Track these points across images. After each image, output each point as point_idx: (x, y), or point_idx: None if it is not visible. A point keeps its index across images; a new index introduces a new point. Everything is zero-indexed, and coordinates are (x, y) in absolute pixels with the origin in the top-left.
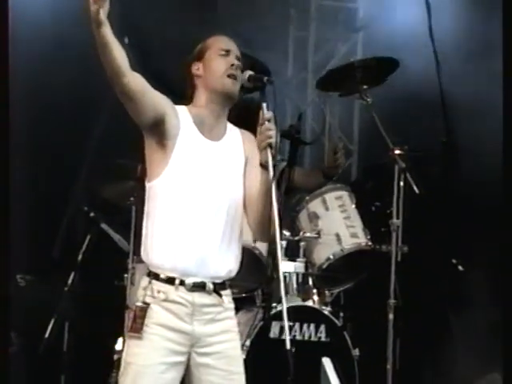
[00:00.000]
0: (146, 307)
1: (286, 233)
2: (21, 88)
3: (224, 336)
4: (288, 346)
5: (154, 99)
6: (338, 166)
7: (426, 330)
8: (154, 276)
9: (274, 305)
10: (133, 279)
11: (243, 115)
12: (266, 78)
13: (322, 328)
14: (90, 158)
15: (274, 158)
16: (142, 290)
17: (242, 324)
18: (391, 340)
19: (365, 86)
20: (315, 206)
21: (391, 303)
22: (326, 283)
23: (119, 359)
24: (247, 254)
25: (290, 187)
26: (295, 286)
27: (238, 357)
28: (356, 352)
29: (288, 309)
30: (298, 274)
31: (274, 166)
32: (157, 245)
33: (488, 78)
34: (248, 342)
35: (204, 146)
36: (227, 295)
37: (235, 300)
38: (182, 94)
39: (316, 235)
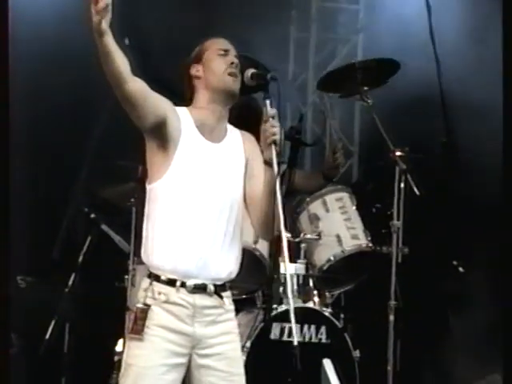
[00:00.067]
0: (146, 309)
1: (287, 234)
2: (21, 88)
3: (225, 337)
4: (295, 342)
5: (155, 103)
6: (338, 166)
7: (427, 332)
8: (154, 277)
9: (274, 306)
10: (133, 280)
11: (244, 115)
12: (269, 75)
13: (323, 329)
14: (90, 158)
15: (278, 154)
16: (142, 292)
17: (242, 325)
18: (392, 341)
19: (365, 88)
20: (316, 207)
21: (392, 304)
22: (326, 285)
23: (120, 360)
24: (247, 256)
25: (291, 189)
26: (296, 287)
27: (238, 358)
28: (357, 353)
29: (288, 310)
30: (298, 276)
31: (279, 163)
32: (157, 246)
33: (488, 78)
34: (248, 344)
35: (205, 148)
36: (228, 297)
37: (235, 301)
38: (182, 94)
39: (316, 237)
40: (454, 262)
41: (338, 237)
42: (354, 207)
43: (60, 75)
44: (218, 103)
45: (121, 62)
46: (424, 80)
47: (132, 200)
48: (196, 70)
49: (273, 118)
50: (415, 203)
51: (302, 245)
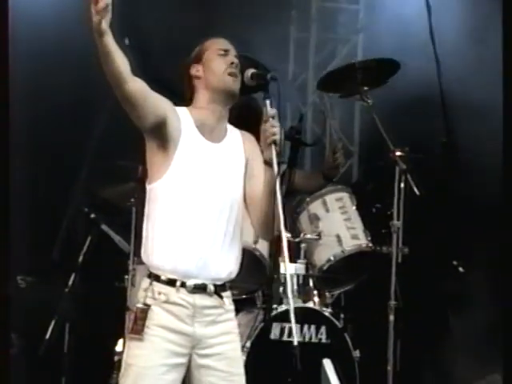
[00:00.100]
0: (146, 309)
1: (287, 234)
2: (21, 88)
3: (225, 337)
4: (295, 342)
5: (155, 103)
6: (338, 166)
7: (427, 331)
8: (154, 277)
9: (274, 306)
10: (133, 280)
11: (244, 115)
12: (269, 75)
13: (323, 329)
14: (90, 158)
15: (278, 154)
16: (142, 292)
17: (242, 325)
18: (392, 341)
19: (365, 88)
20: (316, 207)
21: (392, 304)
22: (326, 285)
23: (120, 360)
24: (247, 256)
25: (291, 189)
26: (296, 287)
27: (238, 358)
28: (357, 353)
29: (289, 310)
30: (298, 276)
31: (279, 163)
32: (157, 246)
33: (488, 78)
34: (248, 344)
35: (205, 149)
36: (228, 297)
37: (235, 301)
38: (182, 94)
39: (316, 237)
40: (454, 262)
41: (338, 237)
42: (354, 207)
43: (60, 75)
44: (218, 103)
45: (121, 62)
46: (424, 80)
47: (132, 200)
48: (196, 70)
49: (273, 117)
50: (415, 203)
51: (302, 245)
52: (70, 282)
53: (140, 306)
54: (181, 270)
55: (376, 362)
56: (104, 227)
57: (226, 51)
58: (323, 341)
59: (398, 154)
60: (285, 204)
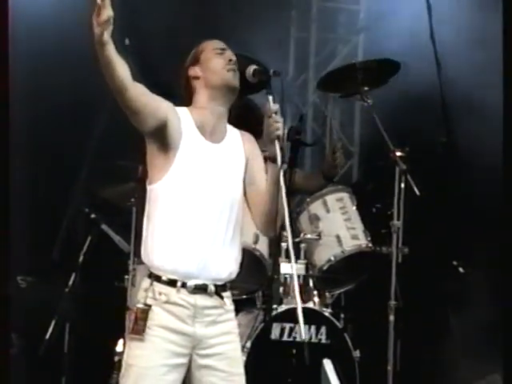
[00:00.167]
0: (147, 309)
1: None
2: (21, 88)
3: (225, 337)
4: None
5: (155, 108)
6: (338, 165)
7: (427, 332)
8: (155, 278)
9: (274, 306)
10: (133, 280)
11: (243, 115)
12: (272, 71)
13: (323, 330)
14: (90, 158)
15: (281, 149)
16: (143, 292)
17: (242, 325)
18: (392, 341)
19: (366, 88)
20: (316, 207)
21: (392, 304)
22: (326, 285)
23: (120, 360)
24: (247, 256)
25: (291, 189)
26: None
27: (238, 358)
28: (357, 353)
29: (289, 310)
30: (298, 276)
31: (283, 158)
32: (158, 247)
33: (488, 78)
34: (248, 344)
35: (206, 149)
36: (228, 297)
37: (236, 302)
38: (181, 95)
39: (317, 237)
40: (454, 262)
41: (338, 237)
42: (354, 207)
43: (60, 75)
44: (218, 100)
45: (121, 69)
46: (424, 80)
47: (132, 200)
48: (194, 71)
49: (275, 113)
50: (415, 203)
51: (302, 245)
52: (70, 282)
53: (141, 306)
54: (181, 270)
55: (376, 362)
56: (104, 227)
57: (223, 50)
58: (323, 341)
59: (398, 154)
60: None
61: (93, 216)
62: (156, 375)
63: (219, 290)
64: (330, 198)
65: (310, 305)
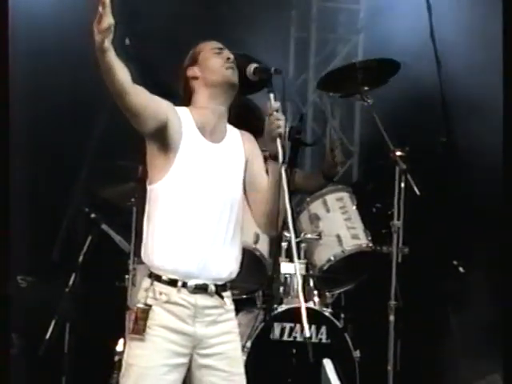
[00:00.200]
0: (147, 309)
1: (287, 234)
2: (21, 88)
3: (225, 337)
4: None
5: (155, 110)
6: (337, 164)
7: (427, 331)
8: (155, 278)
9: (274, 306)
10: (134, 280)
11: (242, 115)
12: (273, 69)
13: (323, 329)
14: (91, 158)
15: (283, 147)
16: (143, 292)
17: (242, 325)
18: (392, 341)
19: (366, 88)
20: (316, 207)
21: (392, 304)
22: (326, 284)
23: (120, 360)
24: (248, 255)
25: (291, 189)
26: (296, 287)
27: (238, 358)
28: (357, 353)
29: (289, 310)
30: None
31: (284, 156)
32: (158, 247)
33: (488, 78)
34: (249, 344)
35: (206, 149)
36: (228, 297)
37: (236, 301)
38: (181, 96)
39: (317, 236)
40: (454, 262)
41: (339, 237)
42: (355, 207)
43: (60, 75)
44: (217, 99)
45: (121, 74)
46: (424, 80)
47: (132, 200)
48: (193, 71)
49: (277, 111)
50: (415, 203)
51: (302, 245)
52: (71, 282)
53: (141, 306)
54: (182, 270)
55: (376, 361)
56: (104, 227)
57: (221, 49)
58: (323, 341)
59: (398, 153)
60: (291, 195)
61: (93, 216)
62: (156, 375)
63: (219, 289)
64: (330, 198)
65: (311, 304)
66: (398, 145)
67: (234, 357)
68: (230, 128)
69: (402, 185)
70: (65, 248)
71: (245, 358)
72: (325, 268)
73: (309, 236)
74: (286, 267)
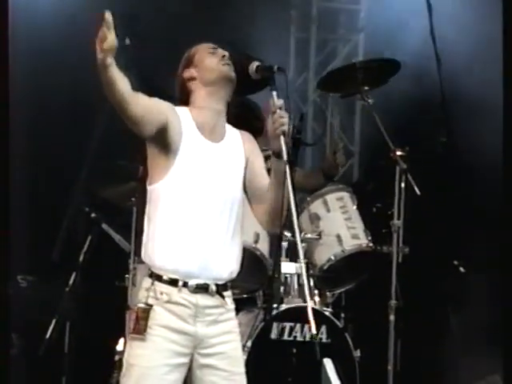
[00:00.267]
0: (148, 309)
1: (287, 234)
2: (21, 88)
3: (226, 337)
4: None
5: (155, 114)
6: (338, 165)
7: (427, 331)
8: (156, 277)
9: (275, 306)
10: (134, 280)
11: (242, 115)
12: (276, 67)
13: (323, 329)
14: (91, 158)
15: (287, 145)
16: (144, 292)
17: (243, 325)
18: (392, 341)
19: (366, 87)
20: (316, 207)
21: (392, 304)
22: (327, 284)
23: (120, 360)
24: (248, 255)
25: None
26: (296, 287)
27: (239, 357)
28: (357, 353)
29: (289, 310)
30: (298, 275)
31: (288, 153)
32: (159, 247)
33: (488, 79)
34: (249, 343)
35: (206, 148)
36: (228, 296)
37: (236, 301)
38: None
39: (317, 236)
40: (454, 262)
41: (339, 236)
42: (355, 207)
43: (60, 75)
44: (215, 96)
45: (122, 85)
46: (424, 80)
47: (132, 200)
48: (189, 72)
49: (280, 109)
50: (415, 203)
51: (303, 244)
52: (71, 282)
53: (142, 305)
54: (183, 270)
55: (376, 361)
56: (104, 226)
57: (215, 48)
58: (324, 340)
59: (398, 153)
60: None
61: (93, 215)
62: (158, 375)
63: (220, 289)
64: (331, 198)
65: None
66: (398, 144)
67: (235, 356)
68: (230, 127)
69: (403, 185)
70: (65, 248)
71: (245, 357)
72: (325, 268)
73: (309, 236)
74: (286, 267)
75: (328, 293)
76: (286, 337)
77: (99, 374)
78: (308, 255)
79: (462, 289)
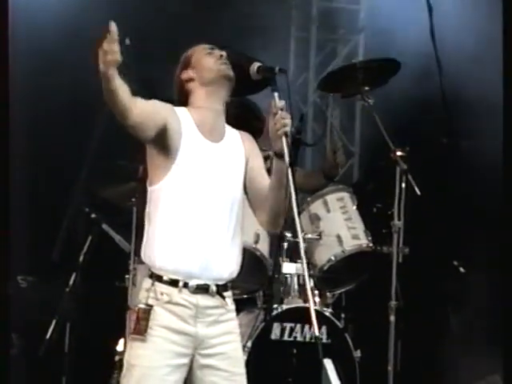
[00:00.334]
0: (149, 309)
1: (287, 234)
2: (21, 88)
3: (226, 337)
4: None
5: (155, 118)
6: (338, 165)
7: (427, 332)
8: (156, 278)
9: (275, 306)
10: (134, 280)
11: (242, 115)
12: (277, 68)
13: (324, 329)
14: (91, 158)
15: (288, 145)
16: (144, 292)
17: (243, 325)
18: (392, 341)
19: (366, 88)
20: (316, 207)
21: (392, 305)
22: (327, 285)
23: (120, 360)
24: (248, 255)
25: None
26: (296, 287)
27: (240, 358)
28: (357, 353)
29: (289, 310)
30: (299, 276)
31: (291, 154)
32: (159, 247)
33: (489, 78)
34: (249, 344)
35: (206, 149)
36: (229, 297)
37: (236, 301)
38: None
39: (317, 237)
40: (454, 262)
41: (339, 237)
42: (355, 207)
43: (60, 75)
44: (214, 96)
45: (123, 95)
46: (425, 80)
47: (133, 200)
48: (187, 74)
49: (282, 109)
50: (416, 203)
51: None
52: (71, 282)
53: (142, 306)
54: (183, 270)
55: (377, 362)
56: (105, 227)
57: (212, 49)
58: (324, 341)
59: (398, 153)
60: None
61: (93, 216)
62: (159, 375)
63: (221, 289)
64: (331, 198)
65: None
66: (398, 145)
67: (236, 357)
68: (229, 128)
69: (403, 185)
70: (65, 248)
71: (245, 357)
72: (325, 268)
73: (309, 236)
74: (286, 267)
75: (328, 293)
76: (286, 337)
77: (99, 374)
78: (308, 255)
79: (461, 289)
